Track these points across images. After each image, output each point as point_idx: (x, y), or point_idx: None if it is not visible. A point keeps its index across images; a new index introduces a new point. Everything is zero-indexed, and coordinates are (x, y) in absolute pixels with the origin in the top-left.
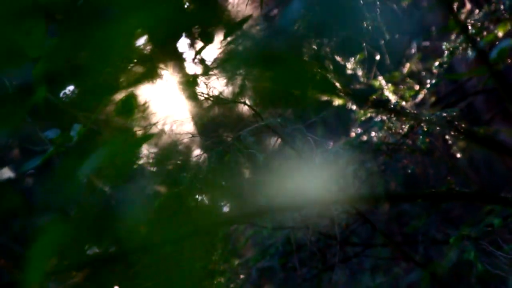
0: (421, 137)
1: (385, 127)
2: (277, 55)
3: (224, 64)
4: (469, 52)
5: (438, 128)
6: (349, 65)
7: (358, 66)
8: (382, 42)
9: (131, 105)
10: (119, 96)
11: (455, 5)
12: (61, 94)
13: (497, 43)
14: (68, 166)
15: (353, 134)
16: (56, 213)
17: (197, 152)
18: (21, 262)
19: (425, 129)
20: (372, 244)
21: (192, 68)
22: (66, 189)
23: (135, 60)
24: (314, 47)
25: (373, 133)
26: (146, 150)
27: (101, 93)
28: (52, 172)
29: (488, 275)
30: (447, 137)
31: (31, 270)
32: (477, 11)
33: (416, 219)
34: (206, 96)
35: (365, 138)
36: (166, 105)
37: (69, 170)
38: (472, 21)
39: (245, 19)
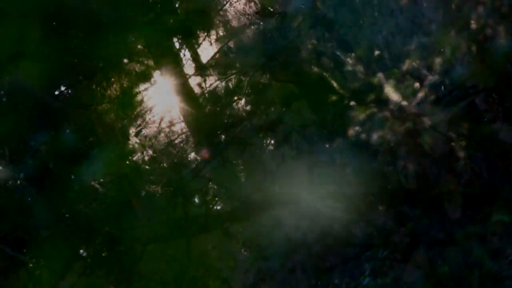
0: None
1: (386, 126)
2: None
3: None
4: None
5: (440, 126)
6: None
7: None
8: (381, 39)
9: (128, 103)
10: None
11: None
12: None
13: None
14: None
15: (351, 133)
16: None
17: (193, 152)
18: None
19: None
20: (372, 245)
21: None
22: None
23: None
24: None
25: (373, 132)
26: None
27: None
28: (45, 176)
29: (495, 276)
30: (449, 136)
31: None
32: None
33: (417, 220)
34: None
35: (364, 137)
36: (162, 104)
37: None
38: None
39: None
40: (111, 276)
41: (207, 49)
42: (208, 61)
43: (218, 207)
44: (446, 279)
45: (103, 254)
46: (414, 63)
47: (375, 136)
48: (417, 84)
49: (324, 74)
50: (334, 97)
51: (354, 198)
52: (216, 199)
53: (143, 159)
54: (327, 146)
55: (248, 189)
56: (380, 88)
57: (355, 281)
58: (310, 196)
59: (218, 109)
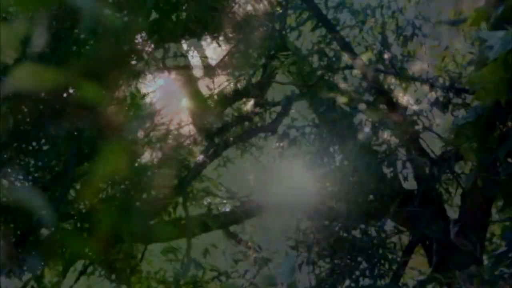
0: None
1: (391, 129)
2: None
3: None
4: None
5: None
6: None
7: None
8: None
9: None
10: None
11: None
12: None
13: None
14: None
15: (352, 134)
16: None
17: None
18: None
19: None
20: (372, 246)
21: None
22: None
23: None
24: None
25: (374, 134)
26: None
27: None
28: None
29: (495, 277)
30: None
31: None
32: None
33: (417, 221)
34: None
35: (366, 138)
36: (169, 105)
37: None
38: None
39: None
40: (111, 276)
41: (212, 50)
42: (217, 63)
43: (219, 207)
44: (446, 280)
45: (103, 254)
46: (423, 66)
47: (376, 138)
48: (426, 87)
49: (326, 75)
50: (335, 98)
51: (355, 199)
52: (217, 199)
53: (152, 161)
54: (327, 147)
55: (249, 189)
56: (385, 89)
57: (355, 282)
58: (311, 197)
59: (220, 109)
